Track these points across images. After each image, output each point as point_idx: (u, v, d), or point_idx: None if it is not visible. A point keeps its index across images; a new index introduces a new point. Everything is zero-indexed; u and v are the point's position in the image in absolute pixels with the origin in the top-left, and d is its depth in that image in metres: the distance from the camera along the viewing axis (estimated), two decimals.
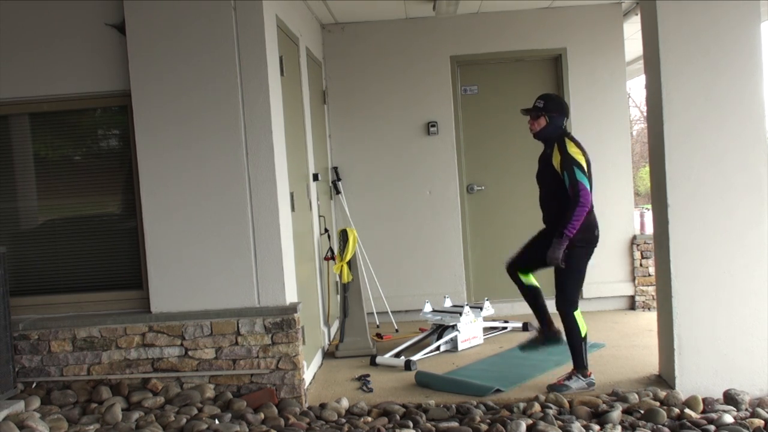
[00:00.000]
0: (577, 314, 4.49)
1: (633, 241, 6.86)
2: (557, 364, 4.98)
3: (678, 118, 4.28)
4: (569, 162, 4.33)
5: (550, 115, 4.47)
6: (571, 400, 4.18)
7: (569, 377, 4.50)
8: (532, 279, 4.70)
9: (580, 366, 4.53)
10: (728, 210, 4.27)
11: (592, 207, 4.42)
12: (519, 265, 4.71)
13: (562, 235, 4.31)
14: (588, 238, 4.46)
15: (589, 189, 4.33)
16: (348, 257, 5.70)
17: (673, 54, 4.26)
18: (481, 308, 6.05)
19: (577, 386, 4.46)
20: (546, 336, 4.68)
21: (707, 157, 4.27)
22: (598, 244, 6.78)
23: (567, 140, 4.43)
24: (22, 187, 4.72)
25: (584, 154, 4.42)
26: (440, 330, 5.74)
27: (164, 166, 4.37)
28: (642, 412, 3.94)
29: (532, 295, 4.70)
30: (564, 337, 4.61)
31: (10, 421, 3.76)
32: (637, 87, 17.69)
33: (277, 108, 4.51)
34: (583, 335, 4.50)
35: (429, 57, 6.89)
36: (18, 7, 4.49)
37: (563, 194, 4.38)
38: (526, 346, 4.76)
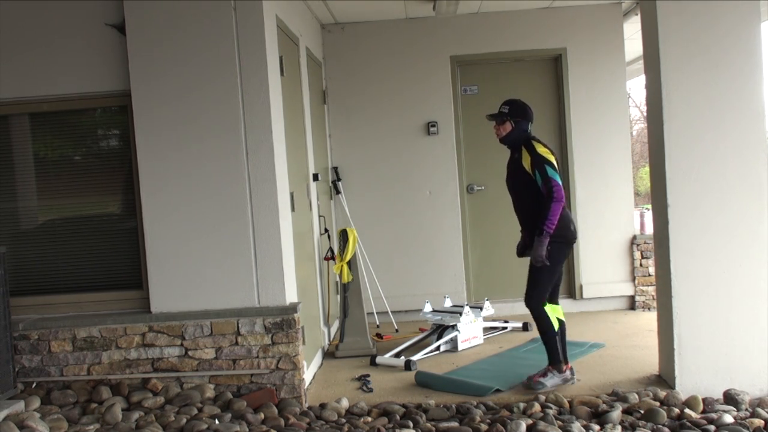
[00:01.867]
0: (548, 309, 4.52)
1: (633, 241, 6.86)
2: None
3: (678, 118, 4.28)
4: (540, 161, 4.40)
5: (515, 120, 4.53)
6: (571, 400, 4.18)
7: (545, 374, 4.50)
8: (559, 312, 4.65)
9: (555, 361, 4.52)
10: (728, 210, 4.27)
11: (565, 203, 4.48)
12: (554, 298, 4.67)
13: (543, 233, 4.36)
14: (564, 234, 4.46)
15: (561, 185, 4.39)
16: (348, 257, 5.70)
17: (673, 54, 4.27)
18: (481, 308, 6.05)
19: (552, 383, 4.47)
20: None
21: (707, 157, 4.27)
22: (598, 244, 6.86)
23: (534, 142, 4.51)
24: (22, 187, 4.72)
25: (553, 153, 4.50)
26: (440, 330, 5.74)
27: (164, 166, 4.37)
28: (642, 412, 3.94)
29: (562, 331, 4.64)
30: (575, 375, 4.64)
31: (10, 421, 3.76)
32: (637, 87, 17.71)
33: (277, 108, 4.51)
34: (556, 330, 4.52)
35: (429, 57, 6.89)
36: (18, 7, 4.49)
37: (538, 195, 4.44)
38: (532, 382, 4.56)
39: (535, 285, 4.52)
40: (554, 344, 4.51)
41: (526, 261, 4.98)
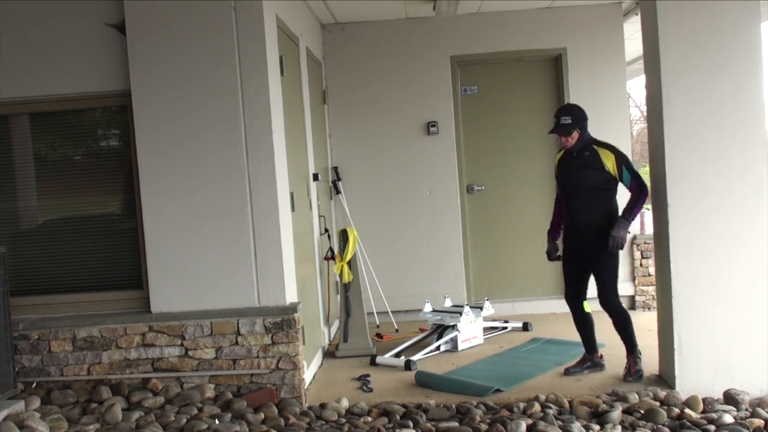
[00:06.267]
0: (585, 305, 4.72)
1: (633, 241, 6.86)
2: (557, 364, 5.00)
3: (678, 118, 4.28)
4: (626, 159, 4.56)
5: (581, 126, 4.59)
6: (571, 400, 4.18)
7: (635, 361, 4.60)
8: (589, 307, 4.80)
9: (635, 349, 4.65)
10: (728, 209, 4.27)
11: None
12: (583, 294, 4.80)
13: (629, 217, 4.50)
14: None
15: None
16: (348, 257, 5.70)
17: (673, 54, 4.26)
18: (481, 308, 6.04)
19: (642, 366, 4.61)
20: (594, 362, 4.82)
21: (707, 157, 4.27)
22: None
23: (604, 142, 4.66)
24: (22, 187, 4.72)
25: None
26: (440, 330, 5.74)
27: (164, 166, 4.37)
28: (642, 412, 3.94)
29: (590, 324, 4.82)
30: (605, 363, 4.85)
31: (10, 421, 3.76)
32: (637, 87, 17.68)
33: (277, 108, 4.51)
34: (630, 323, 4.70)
35: (429, 57, 6.89)
36: (18, 7, 4.49)
37: (608, 194, 4.58)
38: (571, 369, 4.80)
39: (610, 280, 4.63)
40: (633, 334, 4.66)
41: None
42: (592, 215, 4.59)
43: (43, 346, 4.43)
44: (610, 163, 4.52)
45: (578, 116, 4.59)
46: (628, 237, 6.82)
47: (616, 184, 4.59)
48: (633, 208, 4.51)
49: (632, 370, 4.61)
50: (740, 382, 4.23)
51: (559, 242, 4.91)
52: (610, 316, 4.68)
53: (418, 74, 6.89)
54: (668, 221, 4.29)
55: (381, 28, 6.90)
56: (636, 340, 4.68)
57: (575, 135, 4.58)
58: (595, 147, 4.59)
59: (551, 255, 4.93)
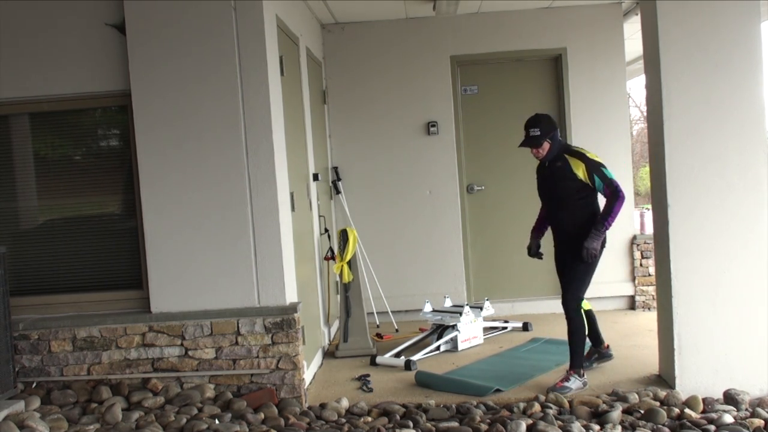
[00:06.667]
0: (583, 312, 4.61)
1: (633, 241, 6.86)
2: (557, 364, 4.99)
3: (678, 118, 4.28)
4: (596, 166, 4.50)
5: (551, 136, 4.55)
6: (571, 400, 4.18)
7: (567, 378, 4.51)
8: (588, 304, 4.79)
9: (578, 365, 4.55)
10: (728, 209, 4.27)
11: None
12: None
13: (603, 226, 4.45)
14: (604, 239, 4.58)
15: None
16: (348, 257, 5.70)
17: (673, 54, 4.26)
18: (481, 308, 6.05)
19: (576, 386, 4.47)
20: (601, 354, 4.96)
21: (707, 157, 4.27)
22: None
23: (578, 148, 4.62)
24: (22, 187, 4.72)
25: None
26: (440, 330, 5.74)
27: (164, 166, 4.37)
28: (642, 412, 3.94)
29: (592, 319, 4.84)
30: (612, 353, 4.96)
31: (10, 420, 3.76)
32: (637, 87, 17.69)
33: (277, 108, 4.51)
34: (586, 334, 4.64)
35: (429, 57, 6.89)
36: (18, 7, 4.49)
37: (585, 202, 4.54)
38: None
39: (576, 285, 4.58)
40: (581, 348, 4.58)
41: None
42: (573, 223, 4.57)
43: (43, 346, 4.43)
44: (580, 171, 4.47)
45: (547, 127, 4.54)
46: (628, 237, 6.85)
47: (594, 190, 4.54)
48: (606, 216, 4.44)
49: (558, 383, 4.46)
50: (740, 382, 4.24)
51: (543, 241, 4.92)
52: (567, 320, 4.61)
53: (418, 74, 6.89)
54: (668, 221, 4.29)
55: (381, 28, 6.90)
56: (582, 359, 4.58)
57: (546, 146, 4.54)
58: (566, 156, 4.54)
59: (530, 251, 4.93)
